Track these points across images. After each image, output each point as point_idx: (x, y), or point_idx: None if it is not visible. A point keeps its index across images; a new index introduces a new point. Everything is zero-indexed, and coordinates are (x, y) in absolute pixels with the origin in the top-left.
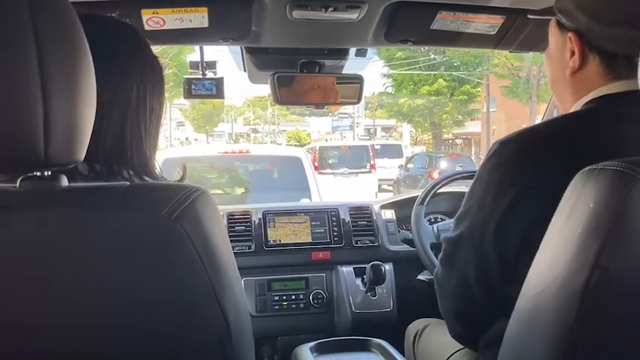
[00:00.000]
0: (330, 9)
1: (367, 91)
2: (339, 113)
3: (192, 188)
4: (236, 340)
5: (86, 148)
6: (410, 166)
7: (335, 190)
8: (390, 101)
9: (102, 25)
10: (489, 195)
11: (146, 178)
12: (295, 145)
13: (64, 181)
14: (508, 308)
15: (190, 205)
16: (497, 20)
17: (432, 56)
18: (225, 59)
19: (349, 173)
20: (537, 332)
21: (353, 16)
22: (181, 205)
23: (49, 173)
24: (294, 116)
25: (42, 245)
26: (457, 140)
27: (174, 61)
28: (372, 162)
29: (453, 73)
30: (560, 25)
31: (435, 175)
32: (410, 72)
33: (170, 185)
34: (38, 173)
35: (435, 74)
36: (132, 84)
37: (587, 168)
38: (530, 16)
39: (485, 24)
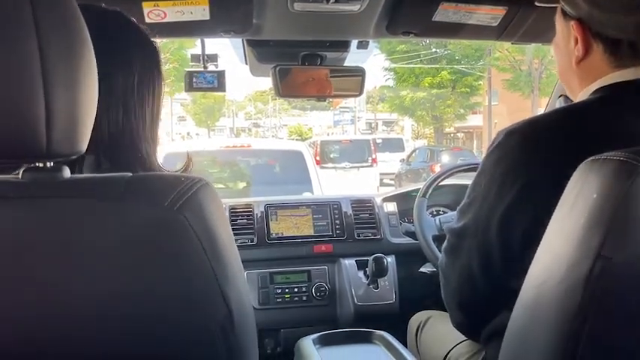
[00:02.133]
0: (331, 1)
1: (368, 84)
2: (341, 107)
3: (195, 179)
4: (239, 329)
5: (88, 139)
6: (411, 160)
7: (337, 184)
8: (392, 95)
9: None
10: (494, 188)
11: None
12: (297, 140)
13: (67, 173)
14: (512, 301)
15: (193, 196)
16: (499, 11)
17: (434, 49)
18: (227, 53)
19: (351, 167)
20: (540, 321)
21: (355, 7)
22: (184, 196)
23: (52, 164)
24: (296, 110)
25: (44, 236)
26: (459, 134)
27: (175, 55)
28: (373, 156)
29: (455, 66)
30: (564, 13)
31: (437, 169)
32: (411, 65)
33: (173, 176)
34: (41, 164)
35: (437, 68)
36: (118, 71)
37: (591, 158)
38: (537, 4)
39: (487, 15)
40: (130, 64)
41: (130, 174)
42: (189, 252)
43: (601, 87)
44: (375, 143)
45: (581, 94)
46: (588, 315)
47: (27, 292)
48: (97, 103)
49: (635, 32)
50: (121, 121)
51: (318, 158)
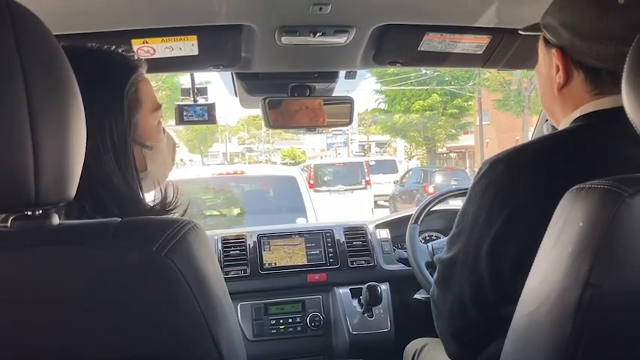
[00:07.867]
0: (318, 34)
1: (360, 107)
2: (333, 130)
3: (183, 222)
4: None
5: (77, 186)
6: (405, 181)
7: (331, 208)
8: (384, 117)
9: None
10: (481, 217)
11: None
12: (290, 164)
13: (56, 220)
14: (505, 328)
15: (181, 240)
16: (484, 40)
17: (424, 71)
18: (218, 81)
19: (345, 190)
20: (533, 349)
21: (341, 40)
22: (172, 240)
23: (40, 212)
24: (289, 134)
25: (34, 284)
26: (451, 154)
27: (167, 83)
28: (367, 178)
29: (445, 87)
30: (546, 41)
31: (431, 190)
32: (402, 87)
33: (161, 220)
34: (29, 212)
35: (428, 89)
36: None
37: (576, 187)
38: (520, 32)
39: (472, 44)
40: (92, 104)
41: (119, 219)
42: (178, 297)
43: (581, 115)
44: (368, 165)
45: (563, 123)
46: (580, 342)
47: (17, 339)
48: (84, 148)
49: (615, 61)
50: (92, 164)
51: (312, 182)
